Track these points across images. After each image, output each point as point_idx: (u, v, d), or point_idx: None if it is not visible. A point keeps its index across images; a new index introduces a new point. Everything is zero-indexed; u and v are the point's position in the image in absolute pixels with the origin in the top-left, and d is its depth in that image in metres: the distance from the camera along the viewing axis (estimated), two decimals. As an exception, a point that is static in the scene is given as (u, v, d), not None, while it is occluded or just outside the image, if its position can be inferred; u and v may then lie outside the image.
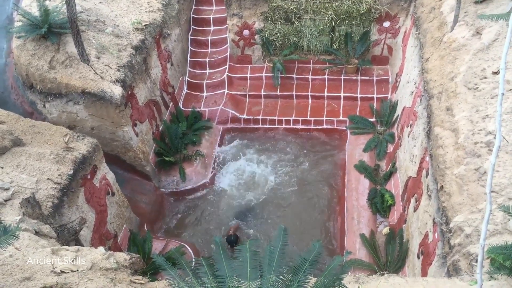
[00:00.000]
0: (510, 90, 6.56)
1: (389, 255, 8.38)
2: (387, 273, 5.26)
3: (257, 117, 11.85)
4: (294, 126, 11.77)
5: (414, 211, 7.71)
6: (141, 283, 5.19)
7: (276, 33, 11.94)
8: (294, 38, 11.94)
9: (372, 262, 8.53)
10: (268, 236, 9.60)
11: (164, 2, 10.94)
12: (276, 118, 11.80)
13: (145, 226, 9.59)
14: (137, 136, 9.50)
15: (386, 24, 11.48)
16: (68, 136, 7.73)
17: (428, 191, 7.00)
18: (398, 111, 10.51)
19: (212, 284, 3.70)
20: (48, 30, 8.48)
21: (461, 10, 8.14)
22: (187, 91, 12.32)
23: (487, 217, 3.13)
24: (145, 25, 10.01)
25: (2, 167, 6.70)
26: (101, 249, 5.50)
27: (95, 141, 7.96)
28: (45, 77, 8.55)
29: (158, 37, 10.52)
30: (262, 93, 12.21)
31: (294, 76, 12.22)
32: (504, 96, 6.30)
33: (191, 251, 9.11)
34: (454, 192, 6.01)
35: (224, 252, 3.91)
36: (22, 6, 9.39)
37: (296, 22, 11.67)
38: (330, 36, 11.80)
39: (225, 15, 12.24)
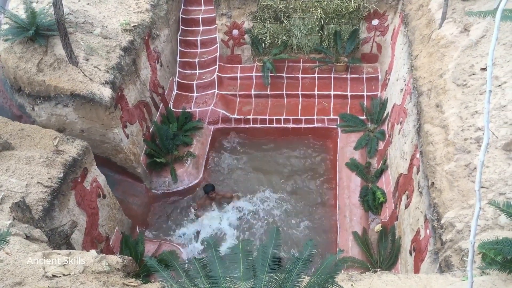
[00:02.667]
0: (498, 86, 6.61)
1: (382, 252, 8.41)
2: (380, 270, 5.28)
3: (248, 117, 11.84)
4: (285, 125, 11.77)
5: (406, 208, 7.75)
6: (134, 286, 5.16)
7: (266, 33, 11.93)
8: (284, 37, 11.93)
9: (365, 260, 8.56)
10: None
11: (152, 3, 10.87)
12: (267, 117, 11.80)
13: (137, 228, 9.56)
14: (127, 137, 9.45)
15: (375, 22, 11.52)
16: (58, 139, 7.66)
17: (419, 188, 7.04)
18: (388, 108, 10.56)
19: (206, 285, 3.68)
20: (35, 33, 8.37)
21: (449, 7, 8.20)
22: (177, 91, 12.28)
23: (476, 214, 3.14)
24: (133, 26, 9.94)
25: (-9, 172, 6.64)
26: (93, 252, 5.46)
27: (85, 144, 7.88)
28: (33, 80, 8.47)
29: (147, 38, 10.47)
30: (253, 92, 12.20)
31: (284, 75, 12.22)
32: (493, 92, 6.36)
33: (183, 252, 9.10)
34: (445, 188, 6.04)
35: (216, 253, 3.91)
36: (9, 9, 9.29)
37: (285, 21, 11.67)
38: (320, 34, 11.82)
39: (214, 15, 12.19)
